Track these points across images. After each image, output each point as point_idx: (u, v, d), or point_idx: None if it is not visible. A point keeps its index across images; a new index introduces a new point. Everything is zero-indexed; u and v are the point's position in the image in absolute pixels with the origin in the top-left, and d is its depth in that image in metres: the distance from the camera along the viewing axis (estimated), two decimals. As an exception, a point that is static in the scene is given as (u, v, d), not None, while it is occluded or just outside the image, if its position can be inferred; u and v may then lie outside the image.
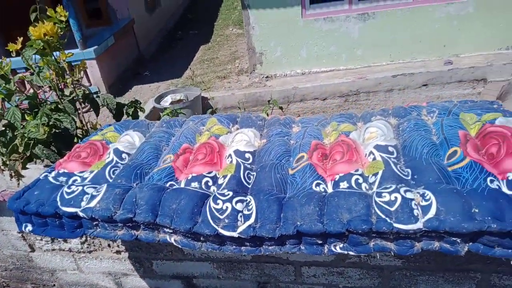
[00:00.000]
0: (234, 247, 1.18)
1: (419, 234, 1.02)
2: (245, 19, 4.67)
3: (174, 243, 1.20)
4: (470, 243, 1.03)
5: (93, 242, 1.81)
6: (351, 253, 1.09)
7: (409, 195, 1.05)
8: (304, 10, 4.59)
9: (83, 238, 1.80)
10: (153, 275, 1.86)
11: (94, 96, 2.03)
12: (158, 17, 9.40)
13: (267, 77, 4.81)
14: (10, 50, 1.78)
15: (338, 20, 4.61)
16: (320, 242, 1.10)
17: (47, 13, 1.81)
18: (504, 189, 1.06)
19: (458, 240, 1.00)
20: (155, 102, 4.33)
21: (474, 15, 4.46)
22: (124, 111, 2.16)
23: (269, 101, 1.83)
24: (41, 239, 1.85)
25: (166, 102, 4.27)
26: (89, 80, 5.71)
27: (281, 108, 1.80)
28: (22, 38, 1.82)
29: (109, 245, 1.80)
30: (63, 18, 1.80)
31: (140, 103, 2.28)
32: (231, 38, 8.37)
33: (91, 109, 2.03)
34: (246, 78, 5.07)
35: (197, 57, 7.42)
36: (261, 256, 1.65)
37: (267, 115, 1.70)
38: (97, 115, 2.05)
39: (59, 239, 1.83)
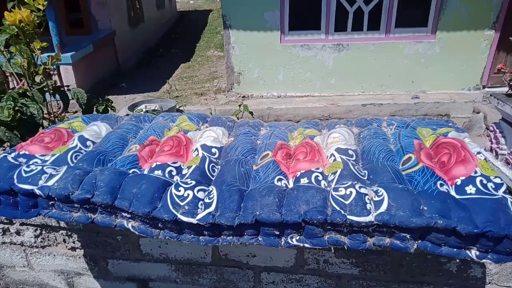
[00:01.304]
0: (192, 236, 1.17)
1: (371, 228, 1.06)
2: (226, 39, 4.79)
3: (131, 229, 1.18)
4: (419, 241, 1.07)
5: (47, 237, 1.74)
6: (306, 245, 1.11)
7: (363, 190, 1.10)
8: (283, 35, 4.78)
9: (37, 232, 1.72)
10: (108, 275, 1.79)
11: (65, 89, 2.01)
12: (140, 32, 9.46)
13: (243, 96, 4.89)
14: (-18, 33, 1.75)
15: (315, 48, 4.81)
16: (277, 233, 1.12)
17: (25, 0, 1.81)
18: (453, 193, 1.14)
19: (408, 236, 1.05)
20: (128, 110, 4.30)
21: (440, 55, 4.78)
22: (95, 108, 2.15)
23: (240, 105, 1.88)
24: (-9, 231, 1.76)
25: (141, 111, 4.25)
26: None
27: (251, 113, 1.85)
28: (-4, 22, 1.80)
29: (64, 241, 1.73)
30: (41, 7, 1.80)
31: (112, 102, 2.27)
32: (212, 59, 8.51)
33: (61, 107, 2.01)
34: (223, 97, 5.14)
35: (176, 73, 7.47)
36: (222, 259, 1.63)
37: (237, 119, 1.74)
38: (66, 108, 2.03)
39: (11, 231, 1.74)
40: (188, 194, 1.16)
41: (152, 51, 9.65)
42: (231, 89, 5.06)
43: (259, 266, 1.63)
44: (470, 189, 1.12)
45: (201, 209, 1.14)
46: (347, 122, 1.60)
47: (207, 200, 1.16)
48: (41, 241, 1.75)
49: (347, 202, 1.08)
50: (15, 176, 1.21)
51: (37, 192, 1.16)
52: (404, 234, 1.05)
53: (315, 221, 1.05)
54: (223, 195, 1.16)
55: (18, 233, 1.75)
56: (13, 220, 1.70)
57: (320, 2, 4.66)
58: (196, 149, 1.39)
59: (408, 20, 4.78)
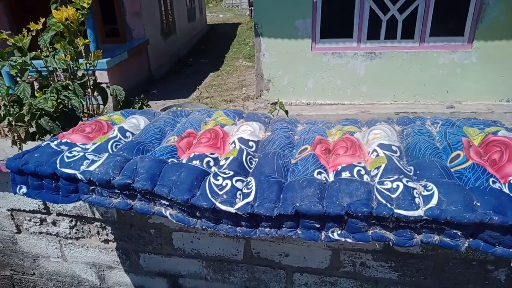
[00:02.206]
0: (229, 226, 1.15)
1: (419, 224, 1.01)
2: (257, 46, 4.83)
3: (169, 217, 1.18)
4: (471, 239, 1.01)
5: (82, 228, 1.76)
6: (348, 240, 1.07)
7: (411, 184, 1.05)
8: (314, 43, 4.77)
9: (73, 223, 1.75)
10: (139, 270, 1.80)
11: (104, 85, 2.06)
12: (172, 43, 9.71)
13: (272, 103, 4.89)
14: (31, 29, 1.83)
15: (346, 56, 4.77)
16: (317, 226, 1.08)
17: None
18: (506, 191, 1.06)
19: (459, 233, 0.99)
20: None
21: (477, 65, 4.62)
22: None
23: (275, 103, 1.86)
24: (30, 220, 1.80)
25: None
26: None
27: (286, 112, 1.83)
28: (43, 19, 1.88)
29: (98, 233, 1.75)
30: (85, 5, 1.87)
31: (148, 101, 2.31)
32: (240, 69, 8.60)
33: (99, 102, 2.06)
34: (251, 103, 5.15)
35: (205, 82, 7.59)
36: (253, 257, 1.60)
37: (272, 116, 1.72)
38: (105, 104, 2.08)
39: (47, 221, 1.78)
40: (227, 184, 1.14)
41: (183, 61, 9.87)
42: (260, 96, 5.07)
43: (292, 266, 1.58)
44: (526, 187, 1.05)
45: (239, 198, 1.12)
46: (388, 120, 1.55)
47: (245, 190, 1.13)
48: (75, 232, 1.78)
49: (393, 196, 1.03)
50: (58, 161, 1.23)
51: (79, 176, 1.17)
52: (455, 231, 0.98)
53: (360, 214, 1.01)
54: (261, 186, 1.13)
55: (54, 223, 1.78)
56: (50, 210, 1.74)
57: (353, 10, 4.63)
58: (233, 142, 1.38)
59: (443, 29, 4.66)
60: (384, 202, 1.02)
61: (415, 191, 1.03)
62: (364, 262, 1.49)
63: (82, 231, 1.77)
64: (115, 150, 1.34)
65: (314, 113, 4.23)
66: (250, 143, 1.38)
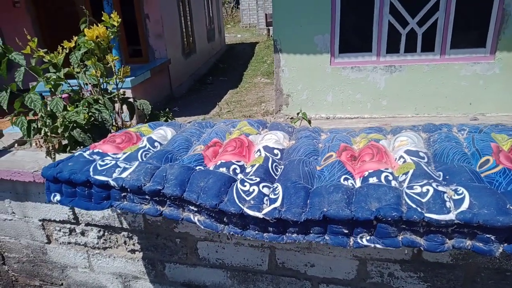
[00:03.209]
0: (256, 232, 1.16)
1: (451, 228, 0.99)
2: (276, 62, 4.90)
3: (197, 223, 1.19)
4: (505, 244, 0.98)
5: (109, 238, 1.80)
6: (378, 245, 1.05)
7: (441, 188, 1.04)
8: (333, 58, 4.80)
9: (101, 232, 1.80)
10: (164, 280, 1.81)
11: (131, 100, 2.14)
12: (192, 62, 9.96)
13: (291, 118, 4.91)
14: (65, 47, 1.93)
15: (365, 70, 4.77)
16: (346, 231, 1.08)
17: (102, 18, 1.99)
18: (540, 195, 1.04)
19: (492, 238, 0.96)
20: (181, 131, 4.47)
21: (500, 76, 4.54)
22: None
23: (298, 113, 1.88)
24: (60, 230, 1.86)
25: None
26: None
27: (309, 121, 1.84)
28: (76, 37, 1.98)
29: (125, 242, 1.79)
30: (115, 23, 1.96)
31: (172, 114, 2.37)
32: (259, 86, 8.71)
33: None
34: (271, 118, 5.19)
35: (225, 98, 7.71)
36: (278, 267, 1.59)
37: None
38: (132, 117, 2.15)
39: (76, 231, 1.83)
40: (254, 190, 1.16)
41: (202, 79, 10.08)
42: (280, 110, 5.11)
43: (318, 277, 1.56)
44: (562, 191, 1.02)
45: (267, 204, 1.13)
46: (414, 127, 1.54)
47: (272, 196, 1.15)
48: (103, 242, 1.82)
49: (424, 200, 1.02)
50: (91, 169, 1.28)
51: (112, 183, 1.21)
52: (488, 236, 0.96)
53: (389, 219, 1.00)
54: (288, 191, 1.14)
55: (82, 233, 1.83)
56: (79, 220, 1.79)
57: (372, 25, 4.65)
58: (259, 150, 1.40)
59: (464, 40, 4.62)
60: (414, 206, 1.01)
61: (445, 195, 1.02)
62: (392, 272, 1.45)
63: (110, 241, 1.81)
64: (144, 159, 1.39)
65: (333, 127, 4.21)
66: (275, 151, 1.40)
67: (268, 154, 1.36)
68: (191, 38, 10.27)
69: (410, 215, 0.99)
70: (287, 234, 1.14)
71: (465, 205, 0.98)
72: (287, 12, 4.66)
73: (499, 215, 0.93)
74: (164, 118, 2.29)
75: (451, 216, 0.96)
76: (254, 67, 11.35)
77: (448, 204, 0.99)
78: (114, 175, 1.24)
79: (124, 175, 1.22)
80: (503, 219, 0.92)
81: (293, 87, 4.91)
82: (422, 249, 1.02)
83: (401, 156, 1.27)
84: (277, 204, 1.12)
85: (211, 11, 13.19)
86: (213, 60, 12.72)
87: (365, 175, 1.19)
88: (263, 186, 1.17)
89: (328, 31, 4.66)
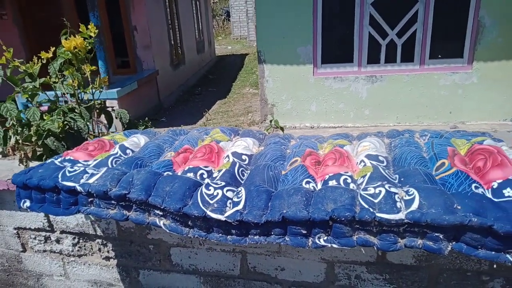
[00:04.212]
0: (220, 234, 1.19)
1: (402, 228, 1.03)
2: (260, 73, 4.98)
3: (163, 227, 1.22)
4: (454, 242, 1.03)
5: (84, 245, 1.81)
6: (334, 245, 1.09)
7: (393, 189, 1.09)
8: (316, 68, 4.90)
9: (75, 240, 1.80)
10: (138, 287, 1.82)
11: (109, 109, 2.16)
12: (181, 73, 10.02)
13: (277, 127, 4.98)
14: (42, 57, 1.96)
15: (348, 80, 4.87)
16: (304, 232, 1.11)
17: (79, 29, 2.03)
18: (489, 196, 1.09)
19: (441, 237, 1.01)
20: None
21: (478, 86, 4.67)
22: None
23: (271, 121, 1.92)
24: (35, 238, 1.86)
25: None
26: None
27: (282, 128, 1.89)
28: (54, 48, 2.01)
29: (99, 250, 1.80)
30: (92, 34, 2.00)
31: (150, 122, 2.41)
32: (247, 96, 8.79)
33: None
34: (256, 128, 5.25)
35: (212, 109, 7.76)
36: (250, 272, 1.62)
37: (268, 133, 1.78)
38: (110, 126, 2.17)
39: (51, 239, 1.83)
40: (218, 193, 1.19)
41: (191, 90, 10.13)
42: (265, 120, 5.17)
43: (288, 281, 1.59)
44: (508, 192, 1.07)
45: (230, 207, 1.16)
46: (378, 134, 1.60)
47: (235, 199, 1.18)
48: (78, 250, 1.83)
49: (376, 201, 1.06)
50: (59, 175, 1.30)
51: (78, 188, 1.24)
52: (437, 234, 1.01)
53: (343, 219, 1.04)
54: (251, 195, 1.18)
55: (58, 241, 1.83)
56: (54, 228, 1.80)
57: (352, 36, 4.77)
58: (227, 156, 1.44)
59: (442, 51, 4.76)
60: (366, 206, 1.05)
61: (396, 195, 1.06)
62: (359, 274, 1.49)
63: (85, 248, 1.82)
64: (114, 165, 1.41)
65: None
66: (243, 157, 1.44)
67: (236, 160, 1.40)
68: (180, 50, 10.35)
69: (362, 215, 1.03)
70: (249, 236, 1.17)
71: (415, 205, 1.03)
72: (270, 24, 4.76)
73: (446, 214, 0.98)
74: (143, 127, 2.32)
75: (401, 215, 1.01)
76: (243, 78, 11.46)
77: (398, 204, 1.04)
78: (82, 180, 1.26)
79: (91, 180, 1.25)
80: (449, 218, 0.97)
81: (278, 97, 4.99)
82: (375, 248, 1.06)
83: (362, 160, 1.32)
84: (240, 207, 1.15)
85: (201, 23, 13.32)
86: (202, 71, 12.80)
87: (326, 179, 1.23)
88: (227, 190, 1.21)
89: (311, 42, 4.76)
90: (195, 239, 1.62)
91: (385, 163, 1.30)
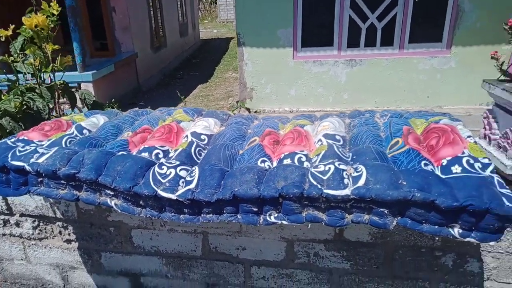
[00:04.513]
0: (173, 214, 1.18)
1: (349, 204, 1.04)
2: (239, 55, 4.92)
3: (114, 207, 1.20)
4: (399, 217, 1.04)
5: (45, 228, 1.78)
6: (284, 222, 1.09)
7: (342, 166, 1.09)
8: (296, 52, 4.86)
9: (35, 223, 1.77)
10: (101, 270, 1.80)
11: (74, 90, 2.10)
12: (162, 56, 9.84)
13: (256, 111, 4.95)
14: (1, 35, 1.88)
15: (327, 64, 4.86)
16: (255, 210, 1.11)
17: (42, 6, 1.94)
18: (438, 173, 1.10)
19: (386, 212, 1.02)
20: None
21: (456, 70, 4.71)
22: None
23: (237, 102, 1.90)
24: (-6, 221, 1.82)
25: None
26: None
27: (248, 109, 1.87)
28: (13, 26, 1.93)
29: (60, 233, 1.77)
30: (55, 12, 1.93)
31: (118, 104, 2.35)
32: (229, 80, 8.71)
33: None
34: (236, 112, 5.22)
35: (193, 93, 7.67)
36: (212, 252, 1.62)
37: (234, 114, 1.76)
38: (73, 107, 2.11)
39: (11, 222, 1.79)
40: (170, 172, 1.17)
41: (173, 74, 9.97)
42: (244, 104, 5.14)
43: (249, 260, 1.60)
44: (456, 168, 1.09)
45: (182, 186, 1.15)
46: (340, 114, 1.60)
47: (188, 178, 1.17)
48: (38, 233, 1.79)
49: (325, 178, 1.06)
50: (9, 155, 1.26)
51: (27, 168, 1.20)
52: (382, 209, 1.01)
53: (291, 195, 1.04)
54: (204, 173, 1.16)
55: (17, 224, 1.79)
56: (13, 211, 1.75)
57: (333, 19, 4.74)
58: (186, 135, 1.42)
59: (422, 35, 4.77)
60: (315, 183, 1.05)
61: (344, 172, 1.07)
62: (318, 252, 1.51)
63: (45, 232, 1.79)
64: (68, 145, 1.38)
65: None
66: (202, 137, 1.42)
67: (194, 139, 1.38)
68: (161, 32, 10.13)
69: (310, 192, 1.03)
70: (202, 215, 1.17)
71: (361, 182, 1.03)
72: (249, 6, 4.68)
73: (390, 190, 0.99)
74: (110, 109, 2.27)
75: (347, 191, 1.01)
76: (227, 62, 11.32)
77: (346, 180, 1.04)
78: (32, 160, 1.23)
79: (40, 160, 1.21)
80: (393, 193, 0.98)
81: (257, 80, 4.95)
82: (323, 224, 1.07)
83: (320, 140, 1.32)
84: (192, 185, 1.14)
85: (184, 6, 13.03)
86: (186, 54, 12.59)
87: (281, 157, 1.23)
88: (181, 169, 1.19)
89: (291, 25, 4.71)
90: (156, 221, 1.61)
91: (341, 142, 1.30)
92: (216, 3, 22.69)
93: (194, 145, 1.33)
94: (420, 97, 4.88)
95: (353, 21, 4.75)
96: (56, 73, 1.99)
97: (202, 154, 1.33)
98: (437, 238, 1.39)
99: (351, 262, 1.49)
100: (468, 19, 4.64)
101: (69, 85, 2.25)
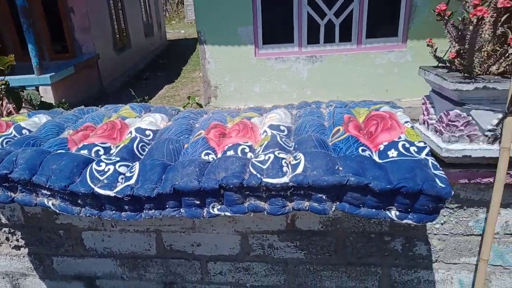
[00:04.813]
0: (113, 212, 1.15)
1: (289, 191, 1.05)
2: (201, 54, 4.88)
3: (52, 207, 1.16)
4: (337, 203, 1.06)
5: (-10, 236, 1.69)
6: (227, 213, 1.09)
7: (282, 155, 1.10)
8: (257, 49, 4.88)
9: (-21, 231, 1.68)
10: (54, 275, 1.73)
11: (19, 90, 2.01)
12: (127, 57, 9.60)
13: (222, 109, 4.93)
14: None
15: (289, 60, 4.90)
16: (198, 203, 1.10)
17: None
18: (375, 158, 1.13)
19: (324, 197, 1.03)
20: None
21: (412, 64, 4.87)
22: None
23: (189, 97, 1.88)
24: None
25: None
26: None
27: (200, 105, 1.85)
28: None
29: (7, 239, 1.68)
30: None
31: (67, 104, 2.27)
32: (196, 80, 8.61)
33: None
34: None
35: (159, 93, 7.54)
36: (166, 250, 1.59)
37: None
38: (19, 108, 2.02)
39: (-48, 232, 1.69)
40: (109, 169, 1.14)
41: (139, 75, 9.76)
42: (209, 103, 5.10)
43: (205, 256, 1.58)
44: (392, 152, 1.12)
45: (121, 182, 1.12)
46: (288, 106, 1.61)
47: (128, 174, 1.14)
48: (-16, 241, 1.70)
49: (264, 167, 1.07)
50: None
51: (-46, 171, 1.13)
52: (320, 195, 1.03)
53: (231, 186, 1.04)
54: (145, 168, 1.14)
55: (-39, 234, 1.70)
56: (-46, 219, 1.66)
57: (292, 16, 4.78)
58: (130, 131, 1.39)
59: (378, 30, 4.90)
60: (255, 172, 1.05)
61: (284, 161, 1.07)
62: (272, 243, 1.51)
63: (-10, 239, 1.70)
64: (5, 146, 1.31)
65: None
66: (147, 132, 1.39)
67: (138, 135, 1.35)
68: (125, 33, 9.89)
69: (249, 181, 1.03)
70: (144, 211, 1.14)
71: (300, 169, 1.04)
72: (209, 4, 4.65)
73: (326, 175, 1.00)
74: (60, 108, 2.18)
75: (286, 179, 1.02)
76: (194, 62, 11.20)
77: (285, 168, 1.05)
78: (-40, 163, 1.16)
79: (-31, 162, 1.14)
80: (329, 178, 1.00)
81: (221, 78, 4.92)
82: (265, 213, 1.07)
83: (265, 131, 1.32)
84: (132, 181, 1.11)
85: (148, 6, 12.79)
86: (152, 55, 12.35)
87: (225, 149, 1.22)
88: (120, 165, 1.16)
89: (251, 22, 4.72)
90: (107, 222, 1.56)
91: (285, 132, 1.31)
92: (183, 4, 22.38)
93: (136, 141, 1.30)
94: (379, 91, 5.01)
95: (311, 18, 4.82)
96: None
97: (146, 149, 1.30)
98: (384, 223, 1.43)
99: (305, 252, 1.51)
100: (421, 13, 4.81)
101: (27, 88, 2.16)
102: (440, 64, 1.46)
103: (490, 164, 1.24)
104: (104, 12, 8.41)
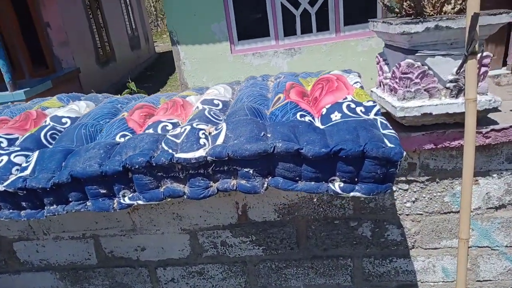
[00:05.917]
0: (10, 211, 0.96)
1: (211, 169, 0.86)
2: (175, 55, 4.70)
3: None
4: (270, 178, 0.87)
5: None
6: (140, 202, 0.90)
7: (200, 126, 0.91)
8: (233, 45, 4.70)
9: None
10: (-10, 296, 1.53)
11: None
12: (111, 71, 9.44)
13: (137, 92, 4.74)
14: None
15: (267, 55, 4.73)
16: (105, 192, 0.91)
17: None
18: (317, 124, 0.95)
19: (252, 171, 0.84)
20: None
21: (394, 49, 4.70)
22: None
23: (127, 83, 1.70)
24: None
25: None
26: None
27: (138, 91, 1.67)
28: None
29: None
30: None
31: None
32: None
33: None
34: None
35: (143, 103, 7.38)
36: (108, 258, 1.39)
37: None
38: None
39: None
40: (2, 160, 0.95)
41: (125, 88, 9.60)
42: (189, 106, 4.92)
43: (153, 261, 1.38)
44: (335, 116, 0.94)
45: (15, 174, 0.93)
46: (233, 82, 1.43)
47: (24, 165, 0.95)
48: None
49: (178, 141, 0.88)
50: None
51: None
52: (247, 170, 0.84)
53: (137, 166, 0.85)
54: (43, 157, 0.95)
55: None
56: None
57: (265, 8, 4.62)
58: (46, 120, 1.20)
59: (356, 17, 4.73)
60: (166, 148, 0.87)
61: (201, 132, 0.89)
62: (225, 240, 1.32)
63: None
64: None
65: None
66: (64, 120, 1.20)
67: (51, 123, 1.16)
68: (108, 46, 9.76)
69: (159, 159, 0.84)
70: (46, 207, 0.95)
71: (220, 140, 0.86)
72: (178, 1, 4.49)
73: (248, 143, 0.82)
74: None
75: (201, 152, 0.83)
76: (180, 71, 11.06)
77: (202, 141, 0.86)
78: None
79: None
80: (251, 146, 0.81)
81: (198, 79, 4.74)
82: (185, 197, 0.88)
83: (197, 106, 1.14)
84: (27, 172, 0.93)
85: (133, 19, 12.69)
86: (140, 68, 12.21)
87: (145, 127, 1.04)
88: (16, 155, 0.98)
89: (224, 18, 4.55)
90: (38, 229, 1.37)
91: (220, 106, 1.13)
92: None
93: (46, 129, 1.12)
94: (363, 79, 4.82)
95: (286, 9, 4.65)
96: None
97: (56, 137, 1.11)
98: (347, 206, 1.23)
99: (263, 247, 1.31)
100: (400, -2, 4.65)
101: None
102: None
103: (458, 123, 1.05)
104: (83, 26, 8.27)
